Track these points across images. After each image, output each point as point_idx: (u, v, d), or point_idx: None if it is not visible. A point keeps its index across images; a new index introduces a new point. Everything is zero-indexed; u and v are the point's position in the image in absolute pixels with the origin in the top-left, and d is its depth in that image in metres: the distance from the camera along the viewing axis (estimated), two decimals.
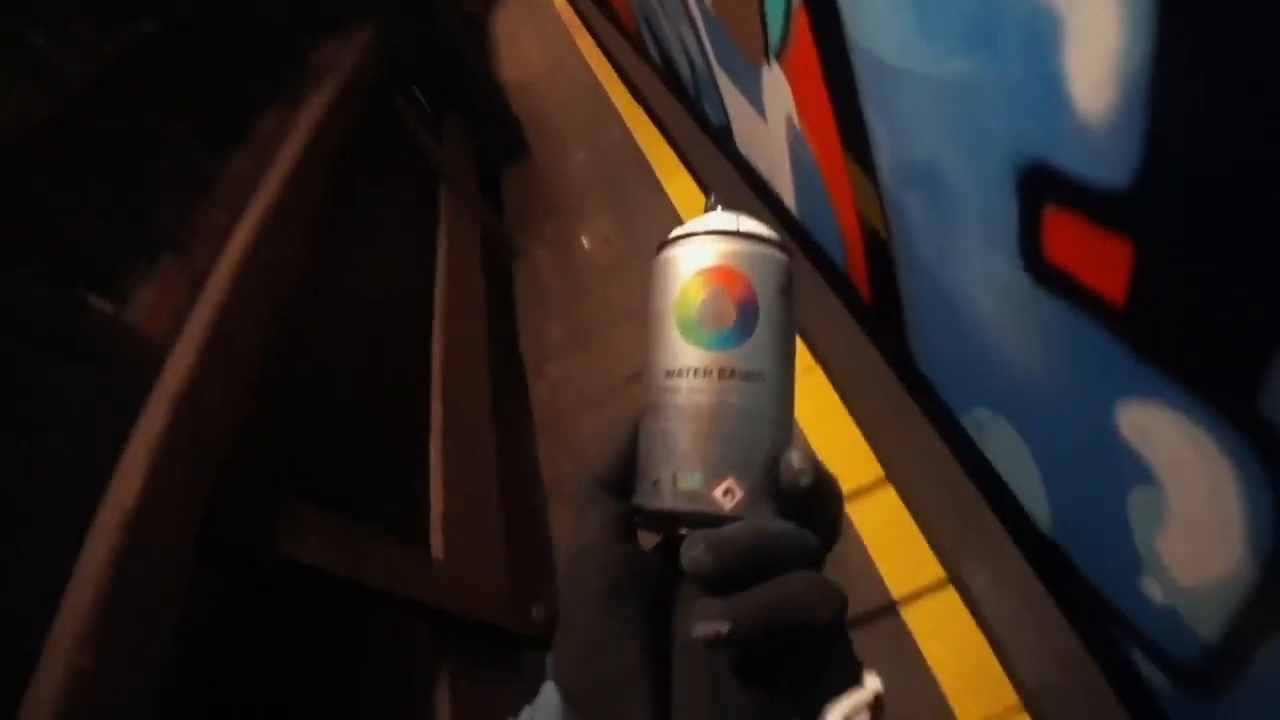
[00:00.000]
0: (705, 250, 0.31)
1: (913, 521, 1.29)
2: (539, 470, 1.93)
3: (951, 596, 1.21)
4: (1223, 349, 0.53)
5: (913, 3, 0.70)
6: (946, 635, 1.16)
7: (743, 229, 0.31)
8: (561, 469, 1.89)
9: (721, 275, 0.30)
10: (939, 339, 1.16)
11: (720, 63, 1.76)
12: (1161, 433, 0.65)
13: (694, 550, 0.25)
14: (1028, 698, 1.06)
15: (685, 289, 0.30)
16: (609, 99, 3.30)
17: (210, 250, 0.88)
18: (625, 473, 0.31)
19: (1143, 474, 0.70)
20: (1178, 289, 0.56)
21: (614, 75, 3.45)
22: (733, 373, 0.29)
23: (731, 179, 2.14)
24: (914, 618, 1.20)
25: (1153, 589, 0.78)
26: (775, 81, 1.34)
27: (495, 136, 3.12)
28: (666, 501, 0.29)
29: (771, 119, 1.50)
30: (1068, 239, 0.65)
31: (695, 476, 0.28)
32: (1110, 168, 0.54)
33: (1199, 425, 0.59)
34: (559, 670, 0.29)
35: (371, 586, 0.82)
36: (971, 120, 0.71)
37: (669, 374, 0.30)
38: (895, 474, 1.34)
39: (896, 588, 1.24)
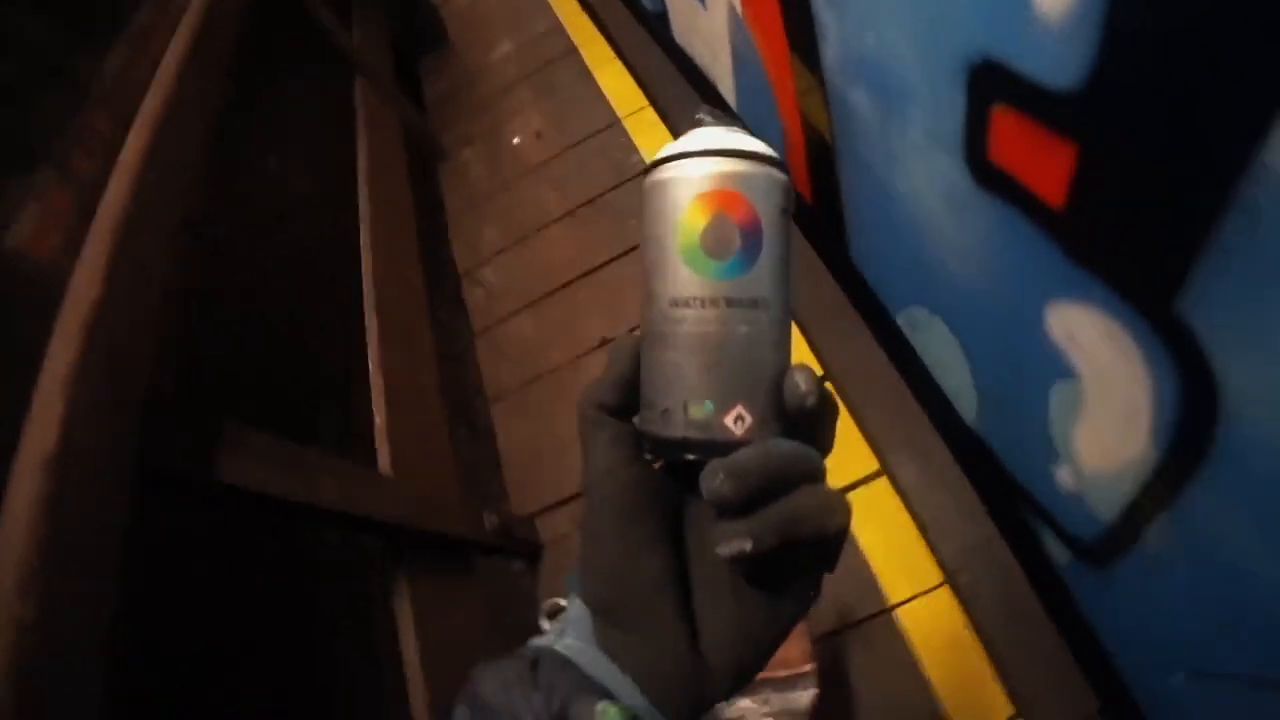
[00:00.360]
0: (705, 172, 0.29)
1: (850, 416, 1.35)
2: (480, 376, 1.91)
3: (884, 486, 1.29)
4: (1149, 254, 0.56)
5: None
6: (878, 522, 1.25)
7: (742, 147, 0.30)
8: (501, 375, 1.88)
9: (724, 200, 0.29)
10: (879, 240, 1.17)
11: None
12: (1087, 331, 0.68)
13: (714, 481, 0.26)
14: (949, 575, 1.16)
15: (687, 215, 0.29)
16: None
17: (96, 162, 0.78)
18: (629, 398, 0.31)
19: (1066, 370, 0.74)
20: (1114, 195, 0.57)
21: None
22: (739, 301, 0.29)
23: (667, 70, 2.04)
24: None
25: (1064, 476, 0.85)
26: None
27: (411, 25, 2.85)
28: (679, 430, 0.29)
29: (712, 6, 1.42)
30: (1013, 140, 0.65)
31: (706, 405, 0.29)
32: (1062, 70, 0.54)
33: (1122, 325, 0.62)
34: (589, 586, 0.31)
35: (324, 508, 0.81)
36: (925, 13, 0.68)
37: (673, 303, 0.29)
38: (831, 371, 1.39)
39: (832, 479, 1.31)
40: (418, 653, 0.94)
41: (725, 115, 0.32)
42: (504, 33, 2.86)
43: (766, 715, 0.91)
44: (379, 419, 1.16)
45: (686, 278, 0.29)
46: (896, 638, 1.16)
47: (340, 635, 0.91)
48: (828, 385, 0.30)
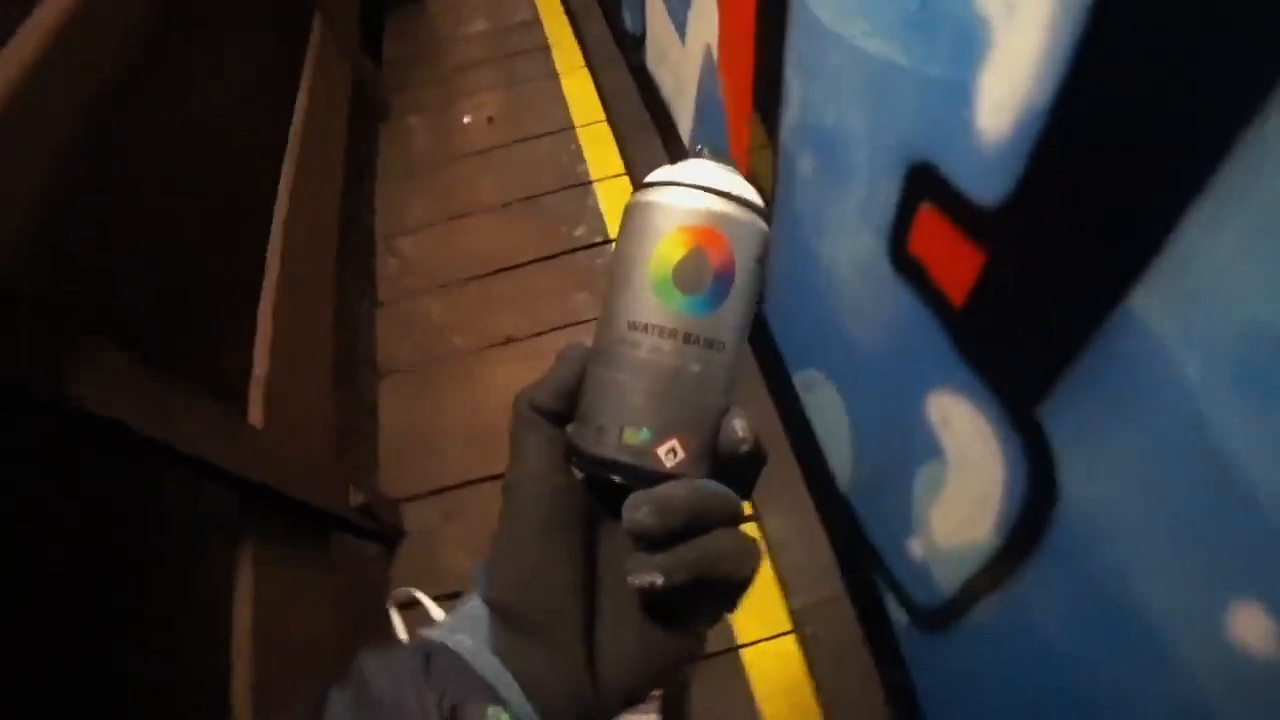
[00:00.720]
0: (693, 205, 0.30)
1: None
2: (373, 348, 1.84)
3: (752, 531, 1.34)
4: (1025, 362, 0.62)
5: None
6: None
7: (734, 190, 0.30)
8: (398, 351, 1.81)
9: (705, 236, 0.29)
10: (792, 299, 1.23)
11: None
12: (959, 419, 0.75)
13: (637, 511, 0.27)
14: (796, 622, 1.22)
15: (665, 243, 0.29)
16: None
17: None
18: (567, 406, 0.31)
19: (935, 451, 0.81)
20: (1008, 305, 0.64)
21: None
22: (698, 339, 0.29)
23: (631, 92, 2.08)
24: None
25: (915, 548, 0.92)
26: (705, 9, 1.30)
27: None
28: (610, 451, 0.29)
29: (690, 43, 1.46)
30: (932, 236, 0.71)
31: (643, 432, 0.29)
32: (987, 186, 0.60)
33: (989, 419, 0.69)
34: (497, 587, 0.31)
35: (180, 450, 0.74)
36: (882, 103, 0.74)
37: (632, 325, 0.29)
38: None
39: None
40: (250, 625, 0.86)
41: (722, 154, 0.33)
42: (481, 10, 2.82)
43: None
44: (259, 368, 1.09)
45: (651, 304, 0.29)
46: (739, 676, 1.20)
47: (164, 591, 0.83)
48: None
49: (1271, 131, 0.36)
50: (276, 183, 1.41)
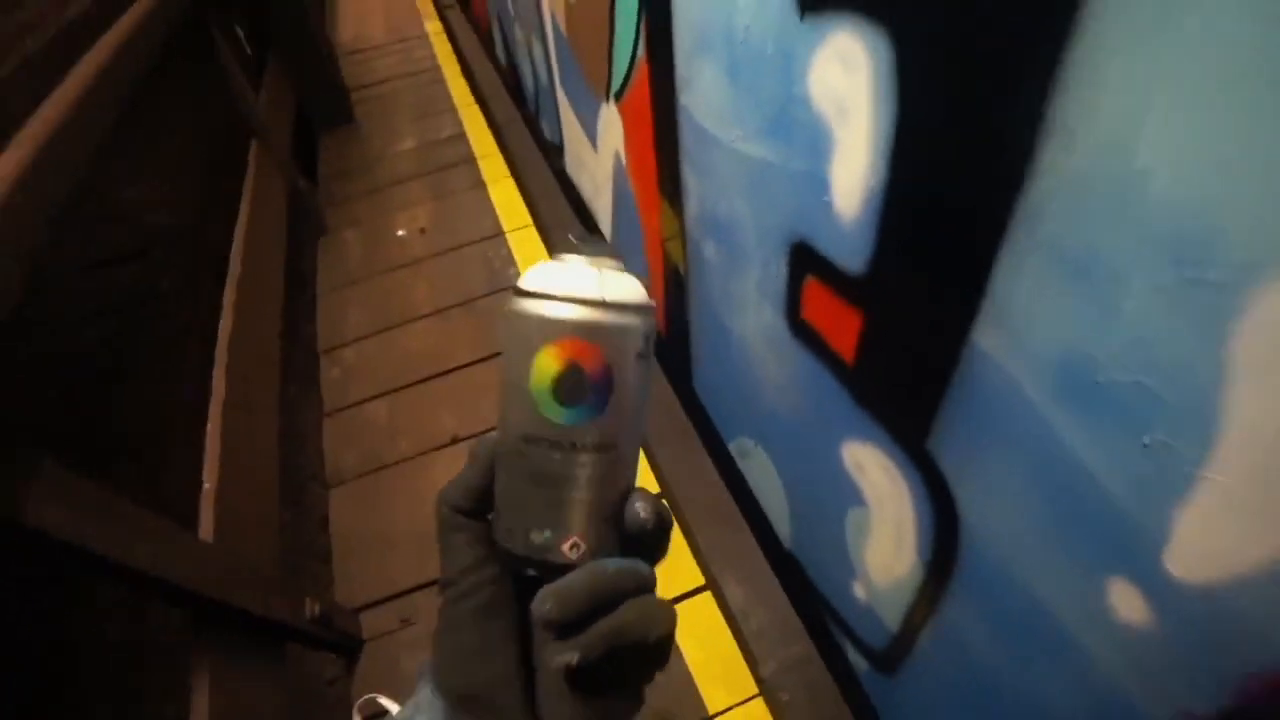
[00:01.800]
0: (562, 318, 0.30)
1: (681, 533, 1.44)
2: (320, 460, 1.84)
3: (707, 600, 1.37)
4: (909, 403, 0.71)
5: (731, 90, 0.84)
6: (701, 635, 1.32)
7: (604, 295, 0.30)
8: (345, 459, 1.82)
9: (577, 350, 0.30)
10: (718, 373, 1.32)
11: (564, 86, 1.84)
12: (871, 464, 0.83)
13: (543, 606, 0.30)
14: (765, 689, 1.24)
15: (540, 360, 0.30)
16: (448, 91, 3.25)
17: None
18: (483, 502, 0.34)
19: (857, 497, 0.88)
20: (886, 356, 0.73)
21: (457, 67, 3.40)
22: (586, 446, 0.30)
23: (555, 195, 2.22)
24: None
25: (858, 591, 0.97)
26: (610, 118, 1.45)
27: (320, 99, 2.92)
28: (520, 549, 0.31)
29: (602, 150, 1.61)
30: (818, 304, 0.81)
31: (545, 534, 0.31)
32: (852, 258, 0.70)
33: (892, 460, 0.77)
34: (444, 675, 0.33)
35: (134, 567, 0.75)
36: (761, 194, 0.86)
37: (523, 438, 0.31)
38: (669, 487, 1.49)
39: (662, 590, 1.38)
40: None
41: (596, 243, 0.33)
42: (409, 128, 2.98)
43: None
44: (208, 484, 1.10)
45: (536, 419, 0.30)
46: None
47: (116, 715, 0.81)
48: (664, 501, 0.35)
49: (1039, 194, 0.46)
50: (219, 300, 1.45)
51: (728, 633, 1.33)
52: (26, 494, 0.65)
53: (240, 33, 2.40)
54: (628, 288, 0.31)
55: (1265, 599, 0.40)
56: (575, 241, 0.33)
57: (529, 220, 2.31)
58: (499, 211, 2.38)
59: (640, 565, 0.32)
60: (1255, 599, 0.41)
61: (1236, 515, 0.41)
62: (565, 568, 0.30)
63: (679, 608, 1.33)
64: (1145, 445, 0.45)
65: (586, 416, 0.30)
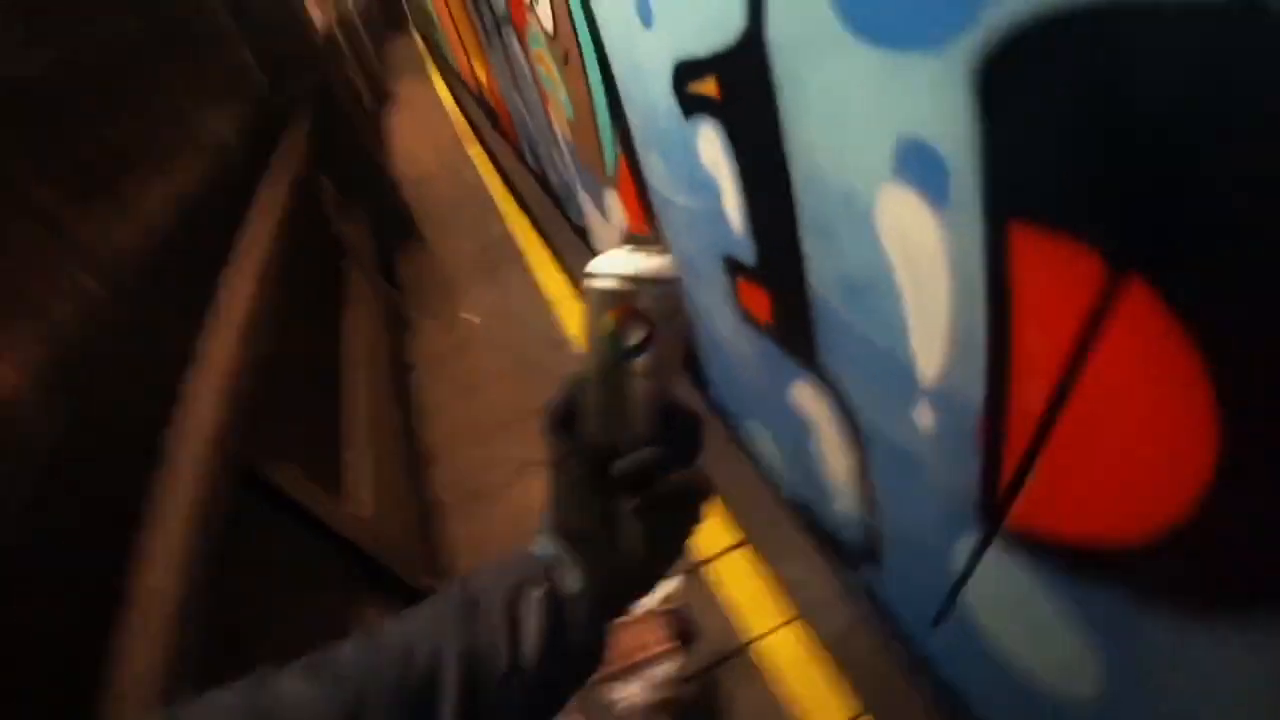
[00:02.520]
0: (613, 290, 0.41)
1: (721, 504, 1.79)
2: (430, 490, 2.29)
3: (742, 554, 1.70)
4: (805, 344, 1.08)
5: (666, 167, 1.27)
6: (742, 582, 1.65)
7: (640, 273, 0.40)
8: (443, 493, 2.25)
9: (626, 310, 0.40)
10: (718, 369, 1.70)
11: (579, 178, 2.34)
12: (806, 396, 1.19)
13: (622, 467, 0.42)
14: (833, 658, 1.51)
15: (603, 319, 0.41)
16: (493, 199, 3.90)
17: (70, 309, 0.99)
18: (570, 413, 0.44)
19: (811, 425, 1.23)
20: (788, 314, 1.11)
21: (498, 178, 4.06)
22: (637, 373, 0.41)
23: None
24: (714, 570, 1.69)
25: (839, 507, 1.31)
26: (611, 197, 1.92)
27: (392, 224, 3.57)
28: (602, 439, 0.43)
29: (610, 219, 2.08)
30: (745, 293, 1.21)
31: (615, 428, 0.42)
32: (754, 260, 1.11)
33: (816, 389, 1.13)
34: (557, 523, 0.45)
35: (333, 528, 1.20)
36: (701, 231, 1.27)
37: (599, 369, 0.42)
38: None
39: (708, 548, 1.73)
40: None
41: (644, 239, 0.44)
42: (465, 233, 3.62)
43: (639, 691, 1.25)
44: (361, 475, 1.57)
45: (606, 357, 0.41)
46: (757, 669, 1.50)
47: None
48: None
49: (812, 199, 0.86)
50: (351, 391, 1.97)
51: (758, 577, 1.64)
52: (265, 456, 1.10)
53: (327, 182, 3.04)
54: (658, 266, 0.41)
55: None
56: (629, 236, 0.46)
57: (569, 291, 2.81)
58: (545, 289, 2.92)
59: (681, 449, 0.44)
60: None
61: None
62: (631, 447, 0.42)
63: (723, 560, 1.68)
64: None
65: (637, 355, 0.41)
